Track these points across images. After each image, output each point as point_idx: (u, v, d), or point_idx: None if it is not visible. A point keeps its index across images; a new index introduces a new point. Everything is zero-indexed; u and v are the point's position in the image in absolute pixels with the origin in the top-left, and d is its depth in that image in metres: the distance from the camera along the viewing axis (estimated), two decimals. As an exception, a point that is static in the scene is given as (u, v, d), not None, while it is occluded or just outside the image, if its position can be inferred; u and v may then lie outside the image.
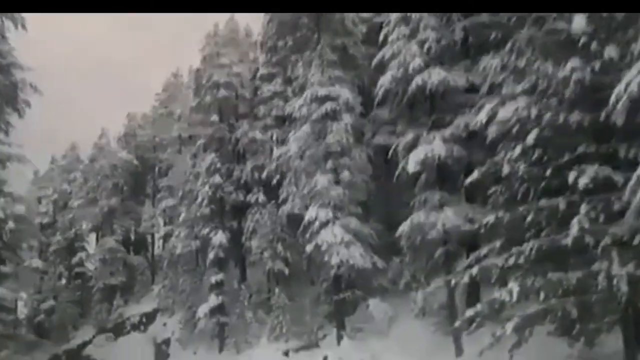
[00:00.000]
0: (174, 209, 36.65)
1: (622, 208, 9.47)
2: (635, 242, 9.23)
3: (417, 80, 17.31)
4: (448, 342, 17.58)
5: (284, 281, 26.99)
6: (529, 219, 10.45)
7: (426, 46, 17.75)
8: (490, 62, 15.41)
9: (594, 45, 9.96)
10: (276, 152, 26.32)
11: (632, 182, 8.55)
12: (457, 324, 11.07)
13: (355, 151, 22.75)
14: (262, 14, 30.44)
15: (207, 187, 29.66)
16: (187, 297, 32.03)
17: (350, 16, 26.39)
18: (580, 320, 9.49)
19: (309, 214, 22.21)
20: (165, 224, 41.20)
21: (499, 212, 10.86)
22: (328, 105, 22.30)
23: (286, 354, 23.88)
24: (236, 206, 30.80)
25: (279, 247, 27.05)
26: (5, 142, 23.59)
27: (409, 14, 18.22)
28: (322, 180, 21.97)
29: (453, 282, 10.86)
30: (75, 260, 42.74)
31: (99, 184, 42.82)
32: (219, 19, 38.30)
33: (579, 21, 9.93)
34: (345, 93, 22.61)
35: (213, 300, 28.07)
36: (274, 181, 27.35)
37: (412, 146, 17.80)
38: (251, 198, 29.98)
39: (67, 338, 39.52)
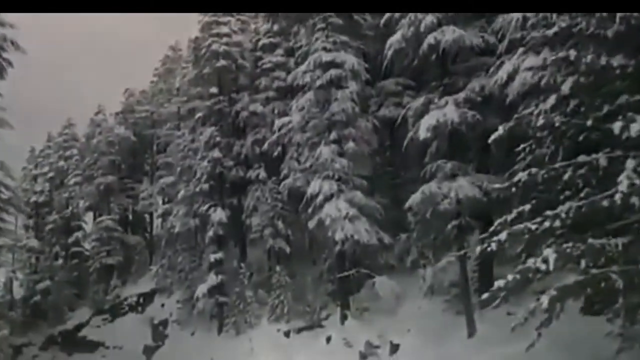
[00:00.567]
0: (172, 187, 35.44)
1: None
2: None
3: (430, 39, 15.95)
4: (459, 321, 16.46)
5: (285, 260, 26.09)
6: (565, 177, 9.18)
7: (439, 3, 16.34)
8: (510, 16, 14.10)
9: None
10: (278, 122, 24.98)
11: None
12: (484, 296, 9.73)
13: (361, 121, 21.49)
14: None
15: (205, 162, 28.51)
16: (185, 277, 31.26)
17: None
18: (624, 293, 8.29)
19: (312, 188, 21.07)
20: (164, 202, 40.05)
21: (531, 169, 9.57)
22: (333, 72, 21.02)
23: (287, 334, 23.00)
24: (236, 183, 29.64)
25: (280, 225, 26.21)
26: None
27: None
28: (325, 151, 20.79)
29: (478, 249, 9.49)
30: (71, 239, 41.66)
31: (96, 161, 41.68)
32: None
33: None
34: (350, 59, 21.33)
35: (212, 279, 27.12)
36: (275, 153, 26.13)
37: (422, 112, 16.51)
38: (252, 174, 28.80)
39: (63, 319, 38.64)
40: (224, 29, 29.86)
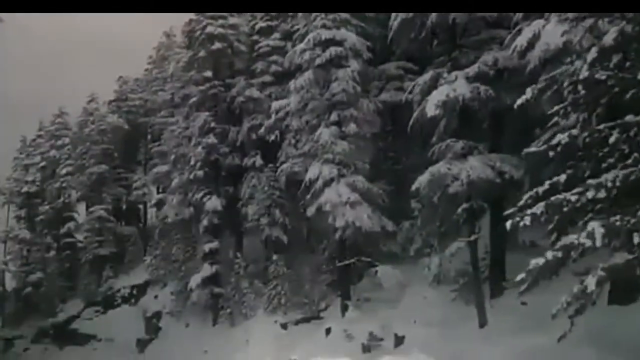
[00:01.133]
0: (166, 176, 34.33)
1: None
2: None
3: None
4: (469, 311, 15.48)
5: (282, 249, 25.19)
6: (612, 139, 8.08)
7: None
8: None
9: None
10: (274, 105, 23.85)
11: None
12: (518, 277, 8.49)
13: (363, 102, 20.41)
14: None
15: (200, 148, 27.49)
16: (179, 268, 30.39)
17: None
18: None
19: (311, 172, 20.11)
20: (158, 191, 39.00)
21: (572, 131, 8.45)
22: (333, 50, 19.95)
23: (284, 326, 22.21)
24: (232, 170, 28.65)
25: (277, 214, 25.36)
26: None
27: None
28: (325, 133, 19.80)
29: (509, 224, 8.25)
30: (63, 230, 40.57)
31: (88, 151, 40.54)
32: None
33: None
34: (351, 37, 20.34)
35: (206, 269, 26.34)
36: (272, 138, 25.05)
37: (430, 88, 15.40)
38: (248, 162, 27.83)
39: (54, 311, 37.58)
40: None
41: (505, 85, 14.91)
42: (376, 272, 19.15)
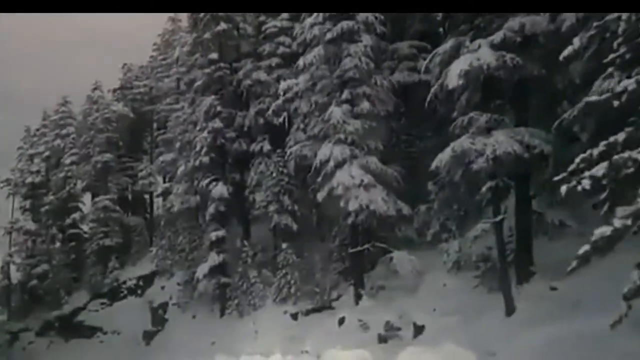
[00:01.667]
0: (172, 164, 33.55)
1: None
2: None
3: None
4: (494, 299, 14.36)
5: (291, 237, 24.21)
6: None
7: None
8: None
9: None
10: (282, 84, 22.75)
11: None
12: (581, 250, 7.37)
13: (376, 78, 19.25)
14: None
15: (205, 133, 26.48)
16: (186, 257, 29.74)
17: None
18: None
19: (322, 153, 19.07)
20: (164, 180, 38.15)
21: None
22: (344, 24, 18.78)
23: (295, 316, 21.22)
24: (238, 156, 27.65)
25: (286, 200, 24.46)
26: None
27: None
28: (336, 112, 18.67)
29: (564, 189, 7.12)
30: (68, 221, 39.76)
31: (92, 139, 39.77)
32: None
33: None
34: (364, 10, 19.02)
35: (213, 258, 25.40)
36: (280, 120, 23.96)
37: (451, 57, 14.24)
38: (255, 147, 26.78)
39: (60, 303, 36.82)
40: (225, -10, 27.54)
41: (532, 53, 13.72)
42: (391, 258, 18.11)
